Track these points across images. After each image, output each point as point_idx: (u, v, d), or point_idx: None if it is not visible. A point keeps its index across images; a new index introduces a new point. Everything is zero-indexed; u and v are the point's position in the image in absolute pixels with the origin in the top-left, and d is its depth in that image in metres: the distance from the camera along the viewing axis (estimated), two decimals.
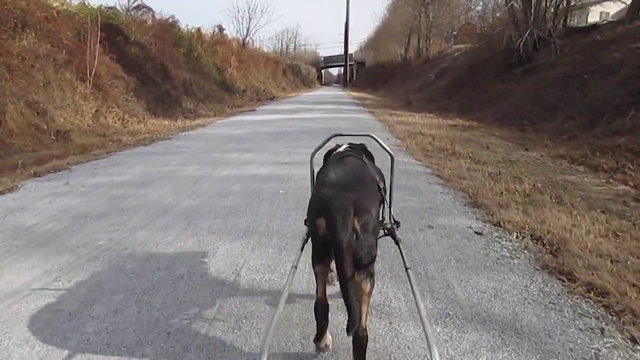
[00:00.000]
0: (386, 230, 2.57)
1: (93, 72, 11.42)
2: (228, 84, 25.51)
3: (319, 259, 1.97)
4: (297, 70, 60.22)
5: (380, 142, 2.78)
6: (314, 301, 2.08)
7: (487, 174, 5.65)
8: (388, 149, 2.80)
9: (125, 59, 14.78)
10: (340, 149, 2.61)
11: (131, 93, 13.38)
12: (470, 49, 27.35)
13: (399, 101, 23.98)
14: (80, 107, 10.33)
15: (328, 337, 2.14)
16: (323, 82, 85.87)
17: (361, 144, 2.80)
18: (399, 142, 8.59)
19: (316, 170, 2.57)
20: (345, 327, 1.77)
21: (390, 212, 2.63)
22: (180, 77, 17.99)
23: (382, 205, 2.43)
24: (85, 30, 12.86)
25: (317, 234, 1.88)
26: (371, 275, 1.91)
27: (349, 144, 2.75)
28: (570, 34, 16.34)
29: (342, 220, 1.74)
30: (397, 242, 2.43)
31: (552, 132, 10.76)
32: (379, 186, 2.30)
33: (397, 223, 2.62)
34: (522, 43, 15.49)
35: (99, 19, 14.44)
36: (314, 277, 2.12)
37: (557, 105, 12.25)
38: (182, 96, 17.22)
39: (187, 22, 63.37)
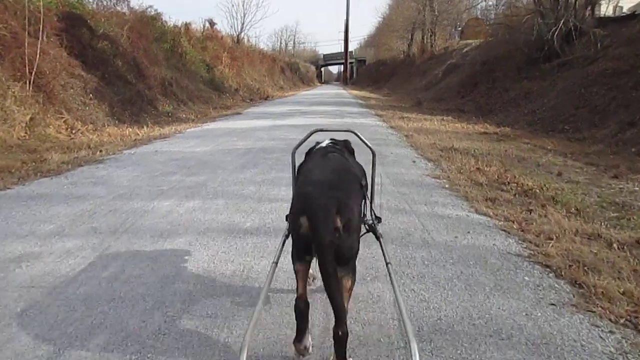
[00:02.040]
0: (367, 227, 2.50)
1: (34, 70, 9.15)
2: (217, 83, 23.23)
3: (300, 257, 1.96)
4: (295, 68, 58.24)
5: (361, 137, 2.71)
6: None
7: (624, 256, 3.05)
8: (369, 145, 2.71)
9: (89, 54, 12.50)
10: (323, 145, 2.54)
11: (90, 95, 11.10)
12: (483, 44, 25.10)
13: (406, 101, 21.68)
14: (11, 114, 8.08)
15: (308, 339, 2.03)
16: (323, 81, 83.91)
17: (345, 140, 2.70)
18: (432, 168, 6.13)
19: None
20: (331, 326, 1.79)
21: (371, 208, 2.60)
22: (158, 76, 15.70)
23: (363, 202, 2.32)
24: (37, 19, 10.63)
25: (299, 232, 1.85)
26: (353, 271, 1.94)
27: (331, 139, 2.63)
28: (604, 25, 14.01)
29: (325, 219, 1.75)
30: (378, 238, 2.43)
31: (609, 142, 8.54)
32: (360, 183, 2.23)
33: (379, 218, 2.59)
34: (555, 34, 13.15)
35: (59, 7, 12.34)
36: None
37: (607, 108, 10.01)
38: (159, 97, 14.93)
39: (179, 17, 60.81)
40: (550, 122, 10.80)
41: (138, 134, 9.55)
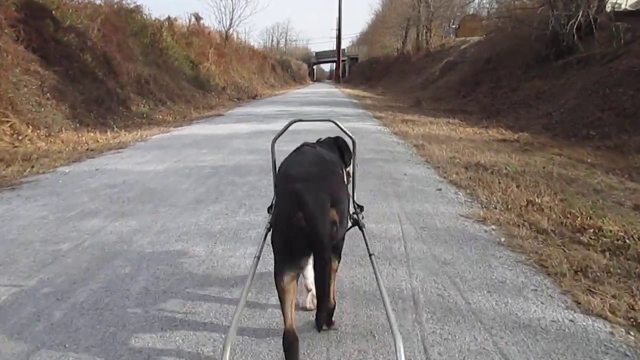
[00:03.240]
0: (351, 219, 2.40)
1: None
2: (202, 81, 21.82)
3: (291, 265, 1.76)
4: (287, 66, 56.95)
5: (340, 125, 2.67)
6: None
7: None
8: (349, 133, 2.63)
9: (50, 48, 11.07)
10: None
11: (48, 94, 9.67)
12: (484, 41, 23.89)
13: (403, 100, 20.34)
14: None
15: None
16: (315, 79, 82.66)
17: (336, 137, 2.75)
18: (467, 201, 4.47)
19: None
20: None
21: (353, 198, 2.60)
22: (133, 73, 14.25)
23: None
24: None
25: (296, 230, 1.68)
26: (339, 255, 2.03)
27: (327, 138, 2.77)
28: (619, 19, 12.75)
29: (323, 214, 1.70)
30: (361, 228, 2.37)
31: None
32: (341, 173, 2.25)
33: (361, 207, 2.55)
34: (574, 27, 11.86)
35: None
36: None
37: (638, 111, 8.77)
38: (133, 96, 13.49)
39: (164, 11, 58.60)
40: (572, 127, 9.53)
41: (98, 141, 8.16)
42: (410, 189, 5.01)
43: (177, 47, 21.70)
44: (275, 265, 1.79)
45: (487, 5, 38.24)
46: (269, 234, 2.02)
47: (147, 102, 13.97)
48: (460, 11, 41.23)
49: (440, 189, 4.98)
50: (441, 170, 5.78)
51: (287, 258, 1.76)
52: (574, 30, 11.88)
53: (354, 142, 2.62)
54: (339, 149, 2.63)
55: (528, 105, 12.55)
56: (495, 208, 4.23)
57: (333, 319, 2.24)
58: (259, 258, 1.98)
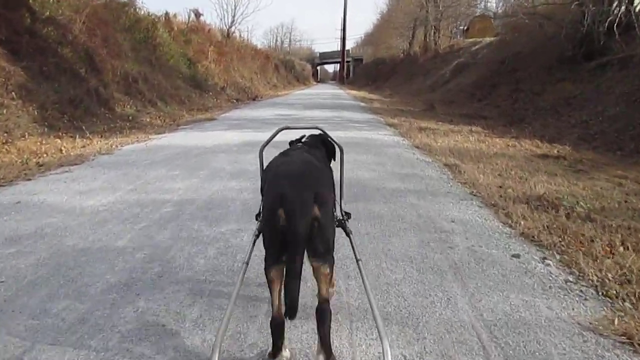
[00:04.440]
0: (337, 222, 2.49)
1: None
2: (200, 80, 20.55)
3: (276, 258, 1.85)
4: (290, 66, 55.77)
5: (326, 132, 2.66)
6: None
7: None
8: (335, 141, 2.66)
9: (23, 41, 9.83)
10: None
11: (13, 93, 8.43)
12: (497, 41, 22.61)
13: (414, 104, 19.01)
14: None
15: (285, 355, 1.99)
16: (319, 79, 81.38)
17: (319, 135, 2.69)
18: (564, 275, 2.91)
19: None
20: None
21: (340, 204, 2.66)
22: (119, 70, 12.97)
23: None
24: None
25: (276, 225, 1.77)
26: (330, 262, 1.93)
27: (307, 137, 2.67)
28: None
29: (302, 209, 1.75)
30: (347, 234, 2.43)
31: None
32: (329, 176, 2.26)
33: (348, 214, 2.61)
34: (614, 24, 10.54)
35: None
36: None
37: None
38: (119, 96, 12.22)
39: (163, 7, 56.82)
40: (615, 138, 8.23)
41: (62, 150, 6.89)
42: (470, 254, 3.25)
43: (173, 44, 20.48)
44: (265, 260, 1.88)
45: (498, 4, 37.00)
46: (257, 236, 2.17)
47: (134, 103, 12.70)
48: (468, 11, 39.99)
49: (518, 256, 3.24)
50: (500, 211, 4.14)
51: (272, 252, 1.86)
52: (614, 27, 10.54)
53: (341, 150, 2.67)
54: (325, 146, 2.60)
55: (556, 112, 11.26)
56: (624, 301, 2.55)
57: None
58: (247, 264, 2.08)
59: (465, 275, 2.91)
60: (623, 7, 10.37)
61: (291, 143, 2.57)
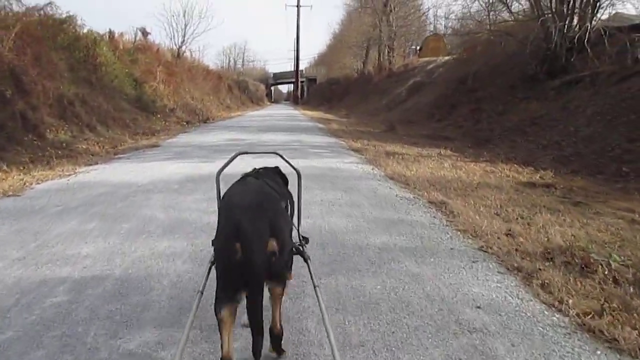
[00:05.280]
0: (295, 249, 2.40)
1: None
2: (147, 102, 19.26)
3: (230, 296, 1.75)
4: (244, 87, 54.93)
5: (285, 158, 2.71)
6: None
7: None
8: (294, 166, 2.69)
9: None
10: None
11: None
12: (455, 60, 22.57)
13: (372, 124, 18.43)
14: None
15: None
16: (272, 100, 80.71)
17: (275, 167, 2.66)
18: None
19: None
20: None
21: (298, 229, 2.59)
22: (51, 92, 11.64)
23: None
24: None
25: (233, 260, 1.70)
26: (283, 282, 1.96)
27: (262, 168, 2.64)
28: (610, 34, 11.25)
29: (259, 243, 1.70)
30: (305, 260, 2.38)
31: None
32: (283, 205, 2.23)
33: (306, 239, 2.57)
34: (570, 42, 10.29)
35: None
36: None
37: None
38: (51, 121, 10.89)
39: (109, 25, 54.06)
40: (594, 161, 7.78)
41: None
42: None
43: (118, 63, 19.14)
44: (215, 296, 1.78)
45: (447, 25, 37.59)
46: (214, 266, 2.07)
47: (69, 128, 11.37)
48: (419, 30, 40.53)
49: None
50: (534, 282, 3.01)
51: (225, 288, 1.76)
52: (580, 44, 10.27)
53: (299, 174, 2.70)
54: (281, 177, 2.57)
55: (523, 132, 10.88)
56: None
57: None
58: (202, 293, 1.99)
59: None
60: (588, 24, 10.12)
61: (246, 176, 2.42)
